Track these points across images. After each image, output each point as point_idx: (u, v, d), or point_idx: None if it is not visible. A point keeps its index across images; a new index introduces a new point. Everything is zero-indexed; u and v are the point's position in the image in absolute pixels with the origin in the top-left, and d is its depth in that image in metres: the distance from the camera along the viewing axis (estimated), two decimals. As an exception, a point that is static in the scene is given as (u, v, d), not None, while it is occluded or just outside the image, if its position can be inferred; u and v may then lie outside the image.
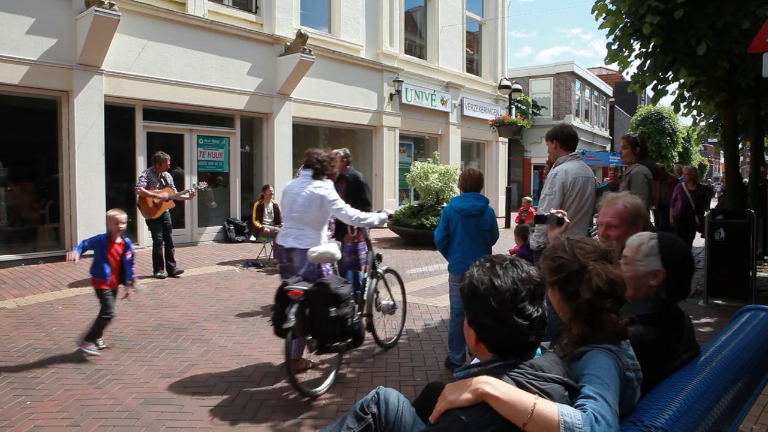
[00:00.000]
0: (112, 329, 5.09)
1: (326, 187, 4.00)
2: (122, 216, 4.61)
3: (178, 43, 9.37)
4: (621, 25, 6.29)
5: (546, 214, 2.72)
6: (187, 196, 7.80)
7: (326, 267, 4.02)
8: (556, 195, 3.64)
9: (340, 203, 4.02)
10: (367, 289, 4.35)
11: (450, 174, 11.24)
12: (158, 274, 7.29)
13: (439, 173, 11.27)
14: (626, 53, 6.40)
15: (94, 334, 4.42)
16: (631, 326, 1.57)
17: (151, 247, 7.44)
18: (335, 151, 4.81)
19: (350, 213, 4.04)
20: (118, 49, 8.48)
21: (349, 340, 3.63)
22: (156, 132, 9.49)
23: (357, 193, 5.43)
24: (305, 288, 3.55)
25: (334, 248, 3.91)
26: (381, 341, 4.58)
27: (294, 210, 3.98)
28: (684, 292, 1.91)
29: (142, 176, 7.27)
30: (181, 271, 7.56)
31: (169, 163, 7.46)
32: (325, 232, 4.14)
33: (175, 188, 7.54)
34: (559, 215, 2.63)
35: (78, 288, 6.63)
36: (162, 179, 7.35)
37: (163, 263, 7.39)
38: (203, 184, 8.46)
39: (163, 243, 7.35)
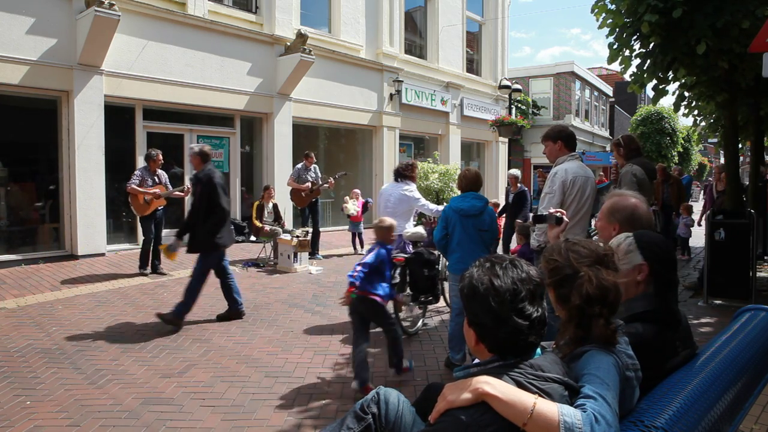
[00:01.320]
0: (112, 329, 5.11)
1: (411, 190, 5.45)
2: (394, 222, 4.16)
3: (178, 43, 9.36)
4: (621, 25, 6.29)
5: (545, 213, 2.72)
6: (181, 193, 7.78)
7: (409, 246, 5.32)
8: (556, 194, 3.65)
9: (423, 200, 5.52)
10: (440, 263, 5.24)
11: (450, 174, 11.25)
12: (142, 270, 7.32)
13: (439, 173, 11.27)
14: (627, 53, 6.40)
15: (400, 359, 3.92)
16: (628, 326, 1.57)
17: (144, 245, 7.44)
18: (191, 146, 5.90)
19: (431, 207, 5.54)
20: (118, 49, 8.48)
21: (431, 297, 4.83)
22: (156, 132, 9.48)
23: (210, 196, 5.21)
24: (406, 255, 4.82)
25: (422, 230, 5.33)
26: (449, 304, 5.62)
27: (388, 206, 5.38)
28: (671, 283, 1.89)
29: (135, 174, 7.26)
30: (164, 274, 7.49)
31: (161, 158, 7.43)
32: (411, 222, 5.52)
33: (169, 186, 7.53)
34: (558, 214, 2.63)
35: (78, 288, 6.63)
36: (156, 177, 7.35)
37: (149, 261, 7.41)
38: None
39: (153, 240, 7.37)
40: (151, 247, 7.39)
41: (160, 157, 7.41)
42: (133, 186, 7.10)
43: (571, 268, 1.58)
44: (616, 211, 2.31)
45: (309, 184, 9.02)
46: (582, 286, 1.51)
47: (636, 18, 5.93)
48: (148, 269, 7.41)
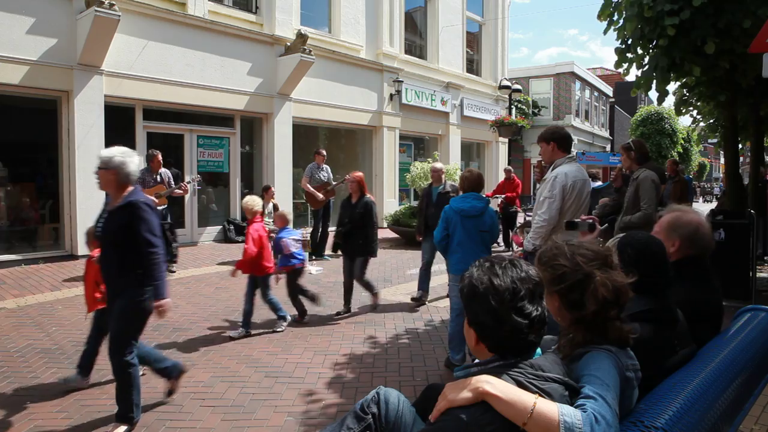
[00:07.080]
0: (112, 329, 5.10)
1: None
2: None
3: (178, 43, 9.37)
4: (632, 31, 6.25)
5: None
6: (180, 191, 7.76)
7: None
8: (556, 198, 3.61)
9: None
10: None
11: (450, 174, 11.22)
12: (169, 269, 7.34)
13: (439, 173, 11.24)
14: (641, 53, 6.36)
15: None
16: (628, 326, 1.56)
17: None
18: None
19: None
20: (118, 49, 8.48)
21: None
22: (156, 132, 9.49)
23: None
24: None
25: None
26: None
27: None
28: (659, 283, 1.84)
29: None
30: (173, 271, 7.55)
31: (161, 158, 7.44)
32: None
33: (172, 184, 7.52)
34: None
35: (78, 288, 6.62)
36: (157, 176, 7.35)
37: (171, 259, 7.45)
38: (197, 178, 8.48)
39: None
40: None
41: (160, 157, 7.41)
42: None
43: (582, 272, 1.54)
44: (678, 227, 2.25)
45: (322, 194, 9.06)
46: (597, 290, 1.49)
47: (645, 23, 5.88)
48: (173, 267, 7.46)
